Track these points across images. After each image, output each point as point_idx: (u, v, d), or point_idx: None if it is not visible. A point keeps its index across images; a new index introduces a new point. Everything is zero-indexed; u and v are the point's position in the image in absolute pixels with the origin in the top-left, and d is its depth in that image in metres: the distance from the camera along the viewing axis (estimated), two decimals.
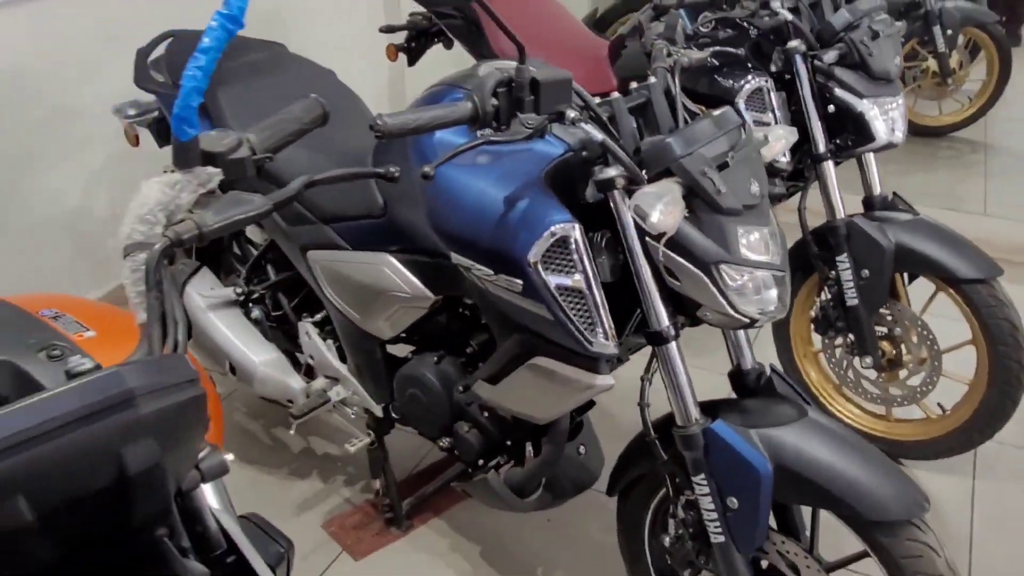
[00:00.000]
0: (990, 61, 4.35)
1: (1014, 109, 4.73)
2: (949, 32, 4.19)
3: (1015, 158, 4.31)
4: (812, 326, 2.33)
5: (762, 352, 1.84)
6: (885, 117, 2.09)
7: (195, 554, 0.89)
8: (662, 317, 1.37)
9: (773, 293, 1.35)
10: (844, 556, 1.48)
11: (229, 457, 0.89)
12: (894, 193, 2.23)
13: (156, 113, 2.15)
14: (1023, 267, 3.31)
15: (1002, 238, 3.41)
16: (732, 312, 1.32)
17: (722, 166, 1.32)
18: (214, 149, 1.08)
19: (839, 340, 2.27)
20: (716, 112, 1.39)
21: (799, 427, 1.38)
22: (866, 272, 2.11)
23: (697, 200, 1.30)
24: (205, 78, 1.49)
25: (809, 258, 2.22)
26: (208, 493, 1.07)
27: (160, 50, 2.13)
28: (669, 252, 1.32)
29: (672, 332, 1.38)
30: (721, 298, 1.31)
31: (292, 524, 2.17)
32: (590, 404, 1.76)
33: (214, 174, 1.10)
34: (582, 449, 1.74)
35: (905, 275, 2.21)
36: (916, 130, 4.51)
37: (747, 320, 1.33)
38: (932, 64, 4.29)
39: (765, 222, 1.34)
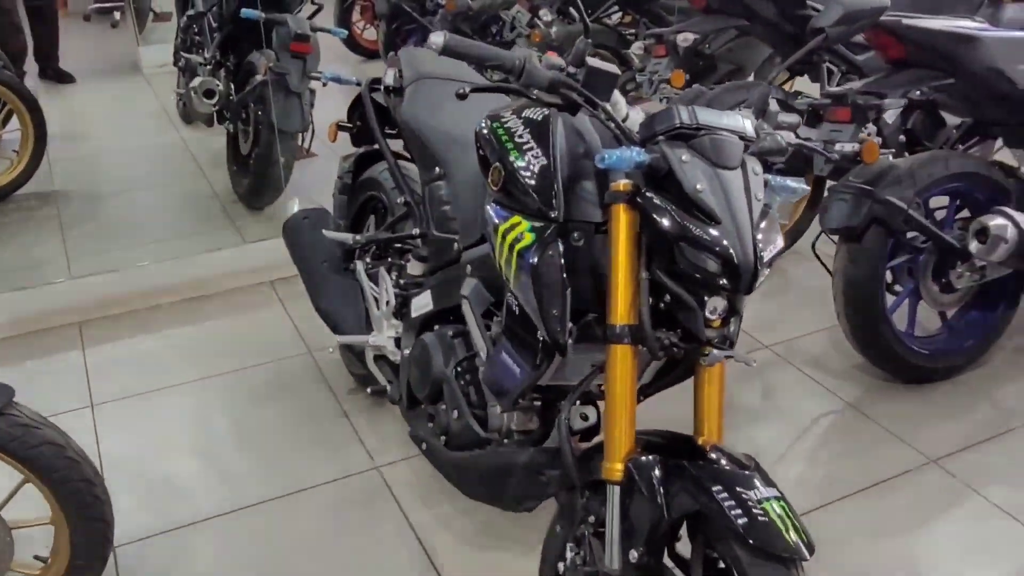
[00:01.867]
0: (15, 109, 3.97)
1: (73, 147, 4.49)
2: None
3: (85, 199, 4.07)
4: None
5: None
6: None
7: None
8: None
9: None
10: None
11: None
12: None
13: None
14: (110, 320, 3.08)
15: (90, 298, 3.10)
16: None
17: None
18: None
19: None
20: None
21: None
22: None
23: None
24: None
25: None
26: None
27: None
28: None
29: None
30: None
31: None
32: None
33: None
34: None
35: None
36: None
37: None
38: None
39: None
